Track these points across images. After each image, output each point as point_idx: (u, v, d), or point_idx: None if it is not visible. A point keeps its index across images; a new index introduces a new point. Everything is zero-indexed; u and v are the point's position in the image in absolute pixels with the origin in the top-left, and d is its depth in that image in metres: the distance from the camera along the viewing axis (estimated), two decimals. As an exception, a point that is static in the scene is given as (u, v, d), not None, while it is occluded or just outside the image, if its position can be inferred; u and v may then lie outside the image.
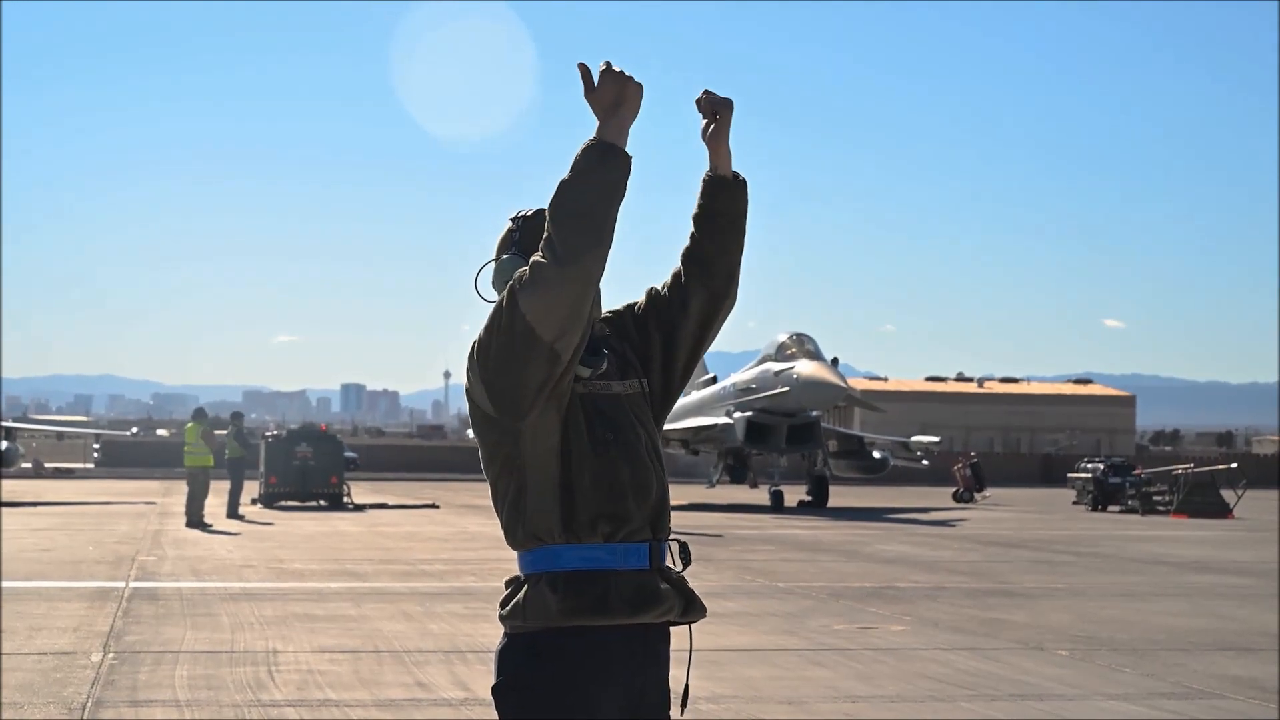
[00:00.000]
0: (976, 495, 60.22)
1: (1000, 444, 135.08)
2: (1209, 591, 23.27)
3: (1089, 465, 57.21)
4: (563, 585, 4.91)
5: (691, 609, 5.16)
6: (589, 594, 4.90)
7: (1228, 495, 50.77)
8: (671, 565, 5.18)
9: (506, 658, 5.01)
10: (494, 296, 5.16)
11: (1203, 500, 50.06)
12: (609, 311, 5.37)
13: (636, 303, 5.39)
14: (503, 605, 5.05)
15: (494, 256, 5.28)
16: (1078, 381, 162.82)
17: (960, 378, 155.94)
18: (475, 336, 4.91)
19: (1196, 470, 53.39)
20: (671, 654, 5.17)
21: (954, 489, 60.66)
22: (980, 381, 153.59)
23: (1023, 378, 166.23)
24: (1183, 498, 50.37)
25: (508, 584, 5.09)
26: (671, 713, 5.17)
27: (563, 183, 4.77)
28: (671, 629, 5.19)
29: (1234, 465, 57.97)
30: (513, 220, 5.28)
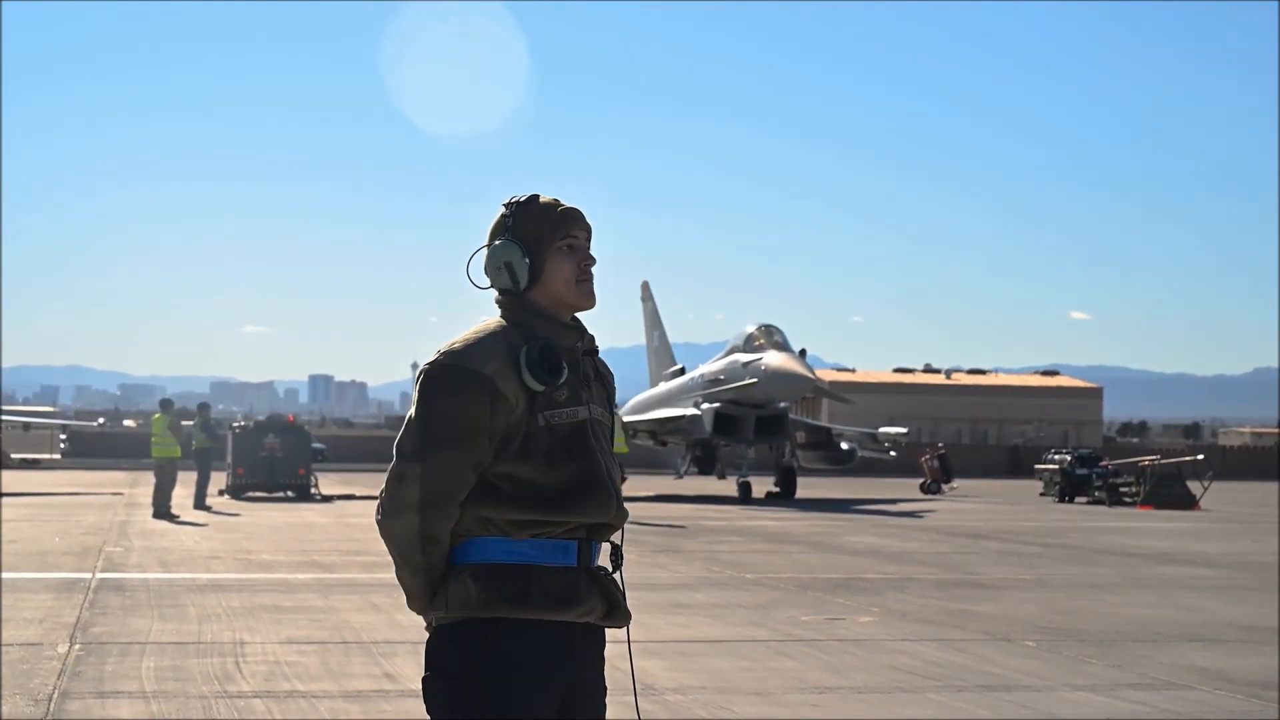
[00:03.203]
0: (944, 487, 60.35)
1: (968, 435, 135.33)
2: (1175, 583, 23.35)
3: (1056, 457, 57.33)
4: (484, 576, 4.96)
5: (614, 613, 5.16)
6: (510, 586, 4.95)
7: (1194, 487, 50.99)
8: (603, 567, 5.20)
9: (432, 649, 5.07)
10: (485, 282, 5.24)
11: (1169, 492, 50.27)
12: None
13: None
14: None
15: (486, 243, 5.25)
16: (1045, 373, 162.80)
17: (928, 369, 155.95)
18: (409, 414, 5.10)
19: (1163, 462, 53.59)
20: (635, 649, 5.17)
21: (922, 480, 60.79)
22: (948, 373, 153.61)
23: (990, 369, 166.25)
24: (1149, 489, 50.55)
25: None
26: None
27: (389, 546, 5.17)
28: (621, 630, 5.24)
29: (1200, 457, 58.19)
30: (506, 206, 5.24)
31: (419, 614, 5.19)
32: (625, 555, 5.27)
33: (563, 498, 4.99)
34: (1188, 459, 57.25)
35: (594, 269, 5.22)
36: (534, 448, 4.97)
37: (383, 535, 5.13)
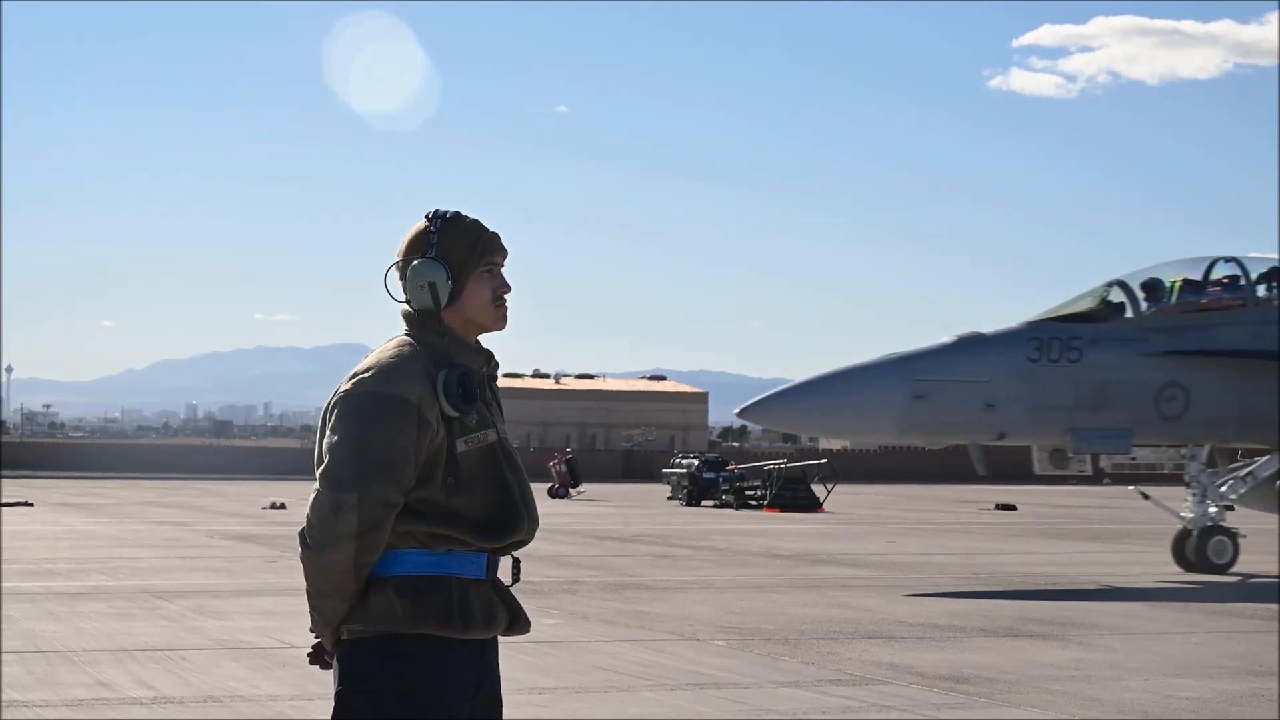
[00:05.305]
0: (572, 491, 60.97)
1: (577, 440, 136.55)
2: (833, 583, 24.04)
3: (684, 461, 58.44)
4: (410, 591, 4.98)
5: (516, 623, 5.26)
6: (435, 603, 4.99)
7: (818, 490, 52.36)
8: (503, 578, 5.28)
9: (349, 663, 5.04)
10: (402, 297, 5.19)
11: (794, 495, 51.63)
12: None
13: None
14: None
15: (403, 255, 5.20)
16: (652, 378, 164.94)
17: (537, 374, 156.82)
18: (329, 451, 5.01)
19: (788, 466, 55.00)
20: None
21: (550, 485, 61.23)
22: (557, 378, 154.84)
23: (598, 374, 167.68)
24: (775, 492, 51.87)
25: None
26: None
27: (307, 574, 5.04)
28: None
29: (824, 460, 59.83)
30: (429, 219, 5.20)
31: (327, 636, 5.12)
32: None
33: (483, 527, 5.06)
34: (813, 463, 58.77)
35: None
36: (451, 472, 5.01)
37: (311, 566, 4.98)
